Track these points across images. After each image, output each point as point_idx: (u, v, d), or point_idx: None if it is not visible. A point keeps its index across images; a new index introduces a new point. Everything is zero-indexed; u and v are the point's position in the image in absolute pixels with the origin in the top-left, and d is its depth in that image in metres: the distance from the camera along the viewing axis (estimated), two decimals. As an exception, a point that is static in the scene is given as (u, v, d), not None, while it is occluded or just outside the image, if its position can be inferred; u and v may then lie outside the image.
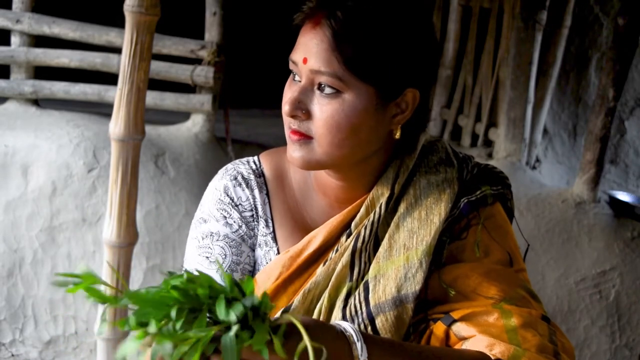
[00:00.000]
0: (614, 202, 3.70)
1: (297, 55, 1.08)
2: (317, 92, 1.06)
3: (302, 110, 1.07)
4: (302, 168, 1.12)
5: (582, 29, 4.47)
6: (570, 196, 3.70)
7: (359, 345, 0.91)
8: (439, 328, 1.08)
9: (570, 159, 4.67)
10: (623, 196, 3.80)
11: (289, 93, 1.09)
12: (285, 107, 1.07)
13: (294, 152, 1.10)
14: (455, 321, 1.07)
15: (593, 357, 3.42)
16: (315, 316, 1.13)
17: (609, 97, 3.55)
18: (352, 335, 0.92)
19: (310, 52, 1.05)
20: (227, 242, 1.19)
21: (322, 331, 0.90)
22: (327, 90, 1.05)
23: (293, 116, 1.07)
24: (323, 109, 1.06)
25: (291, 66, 1.10)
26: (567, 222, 3.59)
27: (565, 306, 3.44)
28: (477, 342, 1.03)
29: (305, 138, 1.08)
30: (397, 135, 1.12)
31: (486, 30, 4.33)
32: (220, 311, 0.77)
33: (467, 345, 1.04)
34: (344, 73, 1.04)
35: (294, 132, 1.08)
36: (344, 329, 0.93)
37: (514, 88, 4.03)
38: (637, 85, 4.68)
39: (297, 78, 1.10)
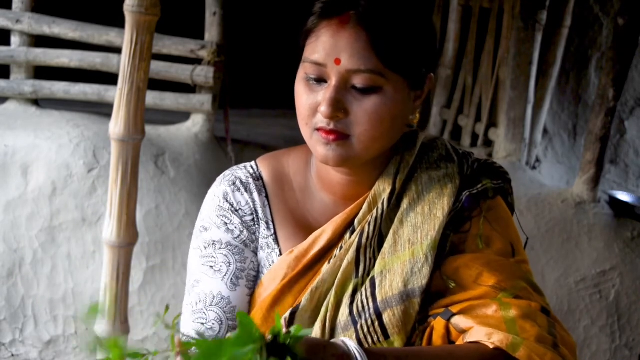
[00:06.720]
0: (614, 202, 3.70)
1: (323, 57, 1.06)
2: (353, 89, 1.06)
3: (341, 110, 1.06)
4: (337, 166, 1.11)
5: (582, 29, 4.47)
6: (570, 196, 3.69)
7: None
8: (439, 323, 1.09)
9: (570, 159, 4.67)
10: (623, 196, 3.80)
11: (315, 96, 1.08)
12: (324, 110, 1.05)
13: (329, 151, 1.08)
14: (453, 315, 1.08)
15: (593, 357, 3.42)
16: (322, 313, 1.13)
17: (609, 97, 3.55)
18: (356, 355, 0.90)
19: (343, 52, 1.04)
20: (230, 250, 1.20)
21: (327, 351, 0.89)
22: (367, 86, 1.05)
23: (332, 117, 1.06)
24: (364, 105, 1.06)
25: (310, 68, 1.08)
26: (567, 222, 3.59)
27: (565, 306, 3.44)
28: (475, 332, 1.04)
29: (343, 137, 1.08)
30: (417, 119, 1.15)
31: (486, 30, 4.33)
32: None
33: (466, 337, 1.05)
34: (382, 68, 1.04)
35: (331, 132, 1.07)
36: (349, 347, 0.91)
37: (514, 88, 4.03)
38: (637, 85, 4.68)
39: (319, 79, 1.07)
